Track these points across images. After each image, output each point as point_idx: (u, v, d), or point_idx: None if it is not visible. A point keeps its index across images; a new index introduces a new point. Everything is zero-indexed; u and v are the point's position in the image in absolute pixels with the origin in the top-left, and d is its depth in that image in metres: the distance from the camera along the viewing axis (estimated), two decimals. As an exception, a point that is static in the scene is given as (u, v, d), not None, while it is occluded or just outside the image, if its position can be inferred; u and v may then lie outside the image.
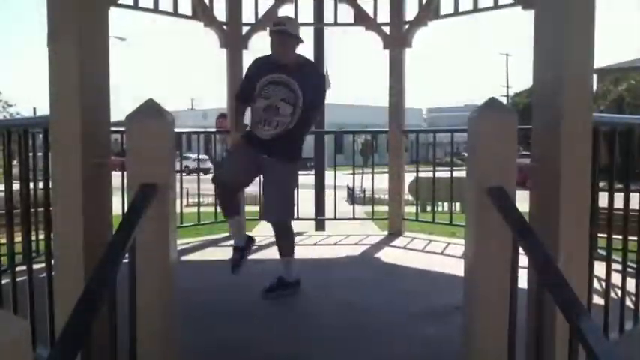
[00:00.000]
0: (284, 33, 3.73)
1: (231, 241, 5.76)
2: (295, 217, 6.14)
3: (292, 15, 6.32)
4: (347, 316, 3.55)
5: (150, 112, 2.20)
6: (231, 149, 4.06)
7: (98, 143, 2.30)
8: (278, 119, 3.71)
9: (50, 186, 2.37)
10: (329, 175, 7.50)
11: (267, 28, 3.85)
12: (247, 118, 4.06)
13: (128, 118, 2.19)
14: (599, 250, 2.93)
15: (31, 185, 2.82)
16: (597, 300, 2.79)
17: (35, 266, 2.80)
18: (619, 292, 2.96)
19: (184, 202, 8.08)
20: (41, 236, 2.85)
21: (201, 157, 7.41)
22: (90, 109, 2.26)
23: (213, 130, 7.78)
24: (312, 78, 3.85)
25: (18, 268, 2.85)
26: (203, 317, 3.45)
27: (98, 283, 1.68)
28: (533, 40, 2.36)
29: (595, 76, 39.35)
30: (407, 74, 6.34)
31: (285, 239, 3.96)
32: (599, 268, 2.76)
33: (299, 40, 3.78)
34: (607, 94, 27.42)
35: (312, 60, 4.07)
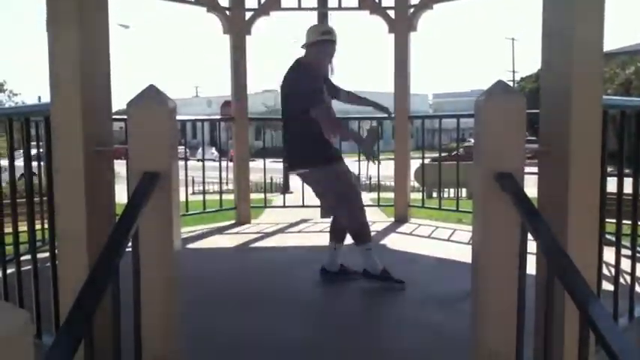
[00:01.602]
0: (335, 44, 3.76)
1: (236, 229, 5.81)
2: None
3: (296, 0, 6.26)
4: (350, 302, 3.53)
5: (151, 98, 2.16)
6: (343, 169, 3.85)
7: (99, 130, 2.27)
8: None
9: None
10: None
11: (313, 38, 3.74)
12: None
13: (129, 104, 2.16)
14: (607, 236, 2.89)
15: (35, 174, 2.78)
16: (607, 286, 2.76)
17: (41, 255, 2.80)
18: (629, 278, 2.93)
19: (190, 190, 8.11)
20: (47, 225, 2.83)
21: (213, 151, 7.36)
22: (90, 96, 2.23)
23: (218, 117, 7.72)
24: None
25: (24, 258, 2.85)
26: (210, 304, 3.45)
27: (101, 272, 1.66)
28: (542, 21, 2.30)
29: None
30: (412, 59, 6.28)
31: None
32: (609, 253, 2.73)
33: None
34: (614, 78, 27.16)
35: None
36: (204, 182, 6.20)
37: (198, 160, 6.98)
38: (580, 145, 2.18)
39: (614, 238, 2.74)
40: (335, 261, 3.93)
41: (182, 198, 5.84)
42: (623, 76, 27.13)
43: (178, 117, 6.78)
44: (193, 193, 9.25)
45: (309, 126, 3.64)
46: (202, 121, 7.16)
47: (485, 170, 2.14)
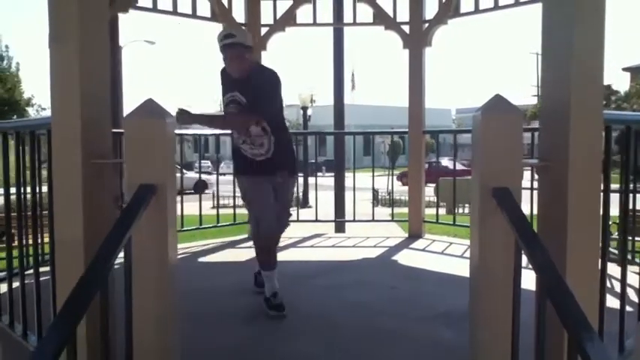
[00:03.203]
0: (237, 45, 3.43)
1: (249, 243, 5.81)
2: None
3: (312, 14, 6.31)
4: (358, 318, 3.50)
5: (149, 112, 2.19)
6: (243, 191, 3.73)
7: (98, 143, 2.30)
8: (257, 140, 3.56)
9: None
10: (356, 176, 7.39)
11: (218, 43, 3.49)
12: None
13: (127, 118, 2.19)
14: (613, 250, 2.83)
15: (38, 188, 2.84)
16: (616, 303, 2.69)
17: (43, 269, 2.84)
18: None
19: (211, 204, 8.13)
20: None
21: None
22: (90, 110, 2.26)
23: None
24: (257, 86, 3.51)
25: (28, 272, 2.90)
26: (215, 318, 3.45)
27: (89, 281, 1.68)
28: (541, 34, 2.28)
29: (628, 75, 38.52)
30: (429, 74, 6.27)
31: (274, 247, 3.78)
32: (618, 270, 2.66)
33: (251, 49, 3.57)
34: (641, 93, 26.67)
35: (266, 66, 3.75)
36: (217, 196, 6.25)
37: (221, 174, 7.03)
38: (579, 161, 2.14)
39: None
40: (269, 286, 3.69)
41: (196, 211, 5.96)
42: (650, 91, 26.65)
43: (195, 131, 6.77)
44: (214, 207, 9.31)
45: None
46: (214, 135, 7.19)
47: (482, 185, 2.12)
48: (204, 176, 14.24)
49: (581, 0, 2.17)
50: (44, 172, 2.80)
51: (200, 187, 6.39)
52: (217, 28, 6.15)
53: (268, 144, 3.57)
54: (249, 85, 3.49)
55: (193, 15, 5.97)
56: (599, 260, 2.31)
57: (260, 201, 3.59)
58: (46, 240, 3.16)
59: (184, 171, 7.34)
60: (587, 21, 2.17)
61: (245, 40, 3.48)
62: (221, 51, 3.48)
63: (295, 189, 3.88)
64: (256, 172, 3.60)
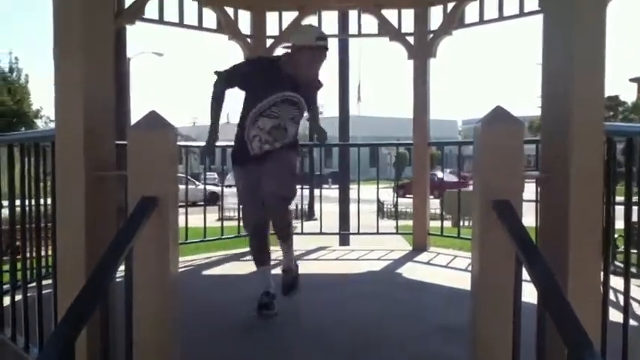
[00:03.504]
0: (326, 49, 3.37)
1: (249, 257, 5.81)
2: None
3: (317, 25, 6.34)
4: (358, 331, 3.48)
5: (152, 123, 2.21)
6: (237, 184, 3.69)
7: (101, 156, 2.32)
8: (283, 141, 3.50)
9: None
10: (362, 188, 7.38)
11: (299, 42, 3.35)
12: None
13: (131, 129, 2.21)
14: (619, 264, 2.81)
15: (42, 200, 2.85)
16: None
17: (46, 282, 2.85)
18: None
19: (216, 217, 8.12)
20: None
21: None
22: (93, 122, 2.29)
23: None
24: (313, 87, 3.57)
25: (31, 285, 2.91)
26: (216, 330, 3.45)
27: (89, 294, 1.69)
28: (542, 47, 2.29)
29: (635, 86, 38.43)
30: (435, 85, 6.29)
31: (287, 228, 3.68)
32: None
33: None
34: (648, 105, 26.63)
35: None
36: (222, 208, 6.25)
37: (227, 187, 7.03)
38: (580, 173, 2.14)
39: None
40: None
41: (201, 224, 5.97)
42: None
43: (197, 143, 6.78)
44: (219, 219, 9.31)
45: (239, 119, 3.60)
46: (219, 147, 7.21)
47: (482, 198, 2.11)
48: (212, 188, 14.29)
49: (582, 13, 2.18)
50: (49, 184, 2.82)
51: (212, 199, 6.38)
52: (223, 39, 6.20)
53: (281, 143, 3.52)
54: (298, 85, 3.42)
55: (199, 27, 6.01)
56: (602, 273, 2.30)
57: (242, 197, 3.66)
58: (50, 252, 3.19)
59: (196, 182, 7.37)
60: (588, 33, 2.18)
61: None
62: (308, 51, 3.31)
63: (296, 172, 3.73)
64: (251, 161, 3.54)
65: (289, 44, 3.49)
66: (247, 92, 3.50)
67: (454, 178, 8.99)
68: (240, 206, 3.66)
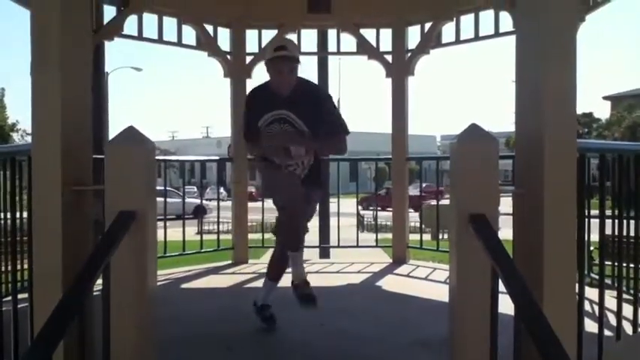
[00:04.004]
0: (291, 59, 3.25)
1: (232, 269, 5.79)
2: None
3: (296, 43, 6.39)
4: (338, 344, 3.48)
5: (130, 138, 2.21)
6: (274, 176, 3.50)
7: (78, 170, 2.31)
8: (296, 161, 3.38)
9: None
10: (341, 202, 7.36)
11: (266, 56, 3.35)
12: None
13: (108, 144, 2.21)
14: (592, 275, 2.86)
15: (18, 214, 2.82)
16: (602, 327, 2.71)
17: (21, 296, 2.81)
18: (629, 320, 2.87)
19: (195, 230, 8.12)
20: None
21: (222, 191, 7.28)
22: (71, 137, 2.28)
23: (216, 157, 7.73)
24: (312, 102, 3.37)
25: (6, 299, 2.86)
26: (195, 344, 3.42)
27: (65, 308, 1.67)
28: (515, 66, 2.35)
29: (609, 103, 39.25)
30: (414, 101, 6.37)
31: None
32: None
33: (299, 63, 3.36)
34: (621, 122, 27.25)
35: (304, 79, 3.47)
36: (201, 222, 6.23)
37: (207, 200, 7.02)
38: (554, 188, 2.19)
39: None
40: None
41: (179, 237, 5.93)
42: (630, 119, 27.20)
43: (183, 157, 6.88)
44: (198, 232, 9.27)
45: None
46: (198, 161, 7.21)
47: (459, 212, 2.15)
48: (197, 201, 14.16)
49: (554, 33, 2.24)
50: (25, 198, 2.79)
51: (200, 212, 6.36)
52: (202, 56, 6.22)
53: (306, 164, 3.44)
54: (297, 103, 3.32)
55: (179, 43, 6.03)
56: (577, 285, 2.34)
57: (287, 188, 3.36)
58: (25, 266, 3.14)
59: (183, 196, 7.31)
60: (559, 54, 2.24)
61: (297, 54, 3.33)
62: (270, 64, 3.29)
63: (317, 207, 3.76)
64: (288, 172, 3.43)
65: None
66: (255, 125, 3.46)
67: (417, 192, 9.24)
68: (284, 196, 3.38)
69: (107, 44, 6.60)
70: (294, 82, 3.33)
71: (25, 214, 2.70)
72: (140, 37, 5.69)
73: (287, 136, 3.34)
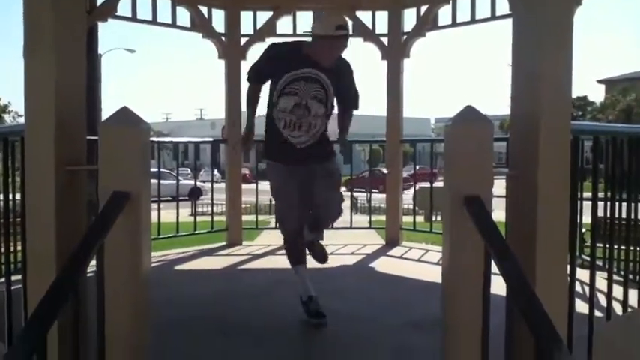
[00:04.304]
0: (346, 38, 3.31)
1: (225, 251, 5.81)
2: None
3: (291, 25, 6.36)
4: (332, 325, 3.51)
5: (124, 119, 2.20)
6: (273, 184, 3.59)
7: (73, 151, 2.30)
8: (310, 121, 3.35)
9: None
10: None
11: (319, 31, 3.31)
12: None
13: (102, 125, 2.19)
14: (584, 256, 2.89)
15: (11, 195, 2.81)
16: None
17: (15, 277, 2.81)
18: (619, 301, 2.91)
19: (189, 212, 8.12)
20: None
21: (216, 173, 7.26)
22: (65, 117, 2.26)
23: (209, 139, 7.73)
24: (342, 74, 3.47)
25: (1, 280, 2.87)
26: (189, 326, 3.44)
27: (59, 288, 1.67)
28: (512, 49, 2.34)
29: (603, 87, 39.30)
30: (409, 84, 6.34)
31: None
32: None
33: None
34: (615, 105, 27.29)
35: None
36: (194, 204, 6.23)
37: (202, 182, 7.01)
38: (548, 170, 2.19)
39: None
40: (303, 287, 3.68)
41: (173, 219, 5.93)
42: (624, 102, 27.25)
43: (177, 139, 6.86)
44: (191, 214, 9.27)
45: (266, 113, 3.52)
46: (192, 143, 7.18)
47: (453, 194, 2.15)
48: (190, 182, 14.15)
49: (550, 16, 2.24)
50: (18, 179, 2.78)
51: (196, 194, 6.34)
52: (196, 37, 6.16)
53: (313, 132, 3.41)
54: (332, 70, 3.37)
55: (173, 24, 5.97)
56: (568, 266, 2.37)
57: (281, 197, 3.59)
58: (19, 248, 3.14)
59: (179, 178, 7.28)
60: (556, 36, 2.24)
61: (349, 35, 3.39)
62: (325, 39, 3.28)
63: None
64: (292, 161, 3.46)
65: (310, 33, 3.48)
66: (271, 74, 3.45)
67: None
68: (276, 203, 3.61)
69: (100, 25, 6.56)
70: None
71: (18, 196, 2.69)
72: (134, 18, 5.63)
73: (312, 94, 3.36)
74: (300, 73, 3.34)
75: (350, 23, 3.61)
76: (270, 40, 6.34)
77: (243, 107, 3.76)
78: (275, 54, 3.47)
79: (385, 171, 6.58)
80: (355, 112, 3.76)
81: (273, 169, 3.57)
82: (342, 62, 3.51)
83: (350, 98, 3.62)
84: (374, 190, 6.62)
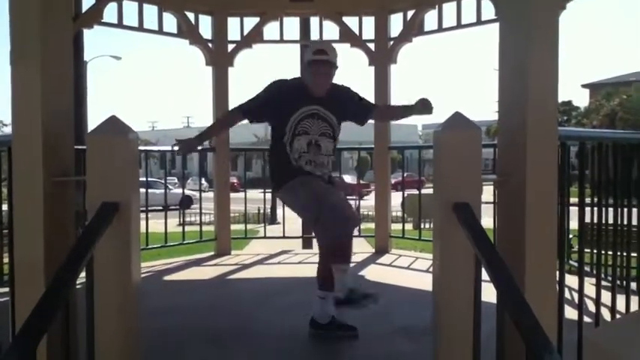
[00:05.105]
0: (329, 64, 3.36)
1: (214, 261, 5.77)
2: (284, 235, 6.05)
3: (278, 31, 6.37)
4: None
5: (113, 128, 2.19)
6: (302, 194, 3.36)
7: (61, 161, 2.28)
8: (322, 159, 3.39)
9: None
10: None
11: (306, 57, 3.42)
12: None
13: (90, 134, 2.18)
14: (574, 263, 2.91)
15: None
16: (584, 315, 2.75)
17: (2, 289, 2.78)
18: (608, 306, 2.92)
19: (177, 222, 8.08)
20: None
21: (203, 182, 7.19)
22: (52, 127, 2.25)
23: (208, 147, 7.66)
24: (343, 100, 3.50)
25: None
26: (179, 336, 3.41)
27: (49, 302, 1.66)
28: (498, 55, 2.36)
29: (587, 91, 39.71)
30: (396, 90, 6.38)
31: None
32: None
33: (337, 68, 3.44)
34: (600, 109, 27.57)
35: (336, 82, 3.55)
36: (183, 214, 6.19)
37: (191, 190, 6.96)
38: (536, 176, 2.21)
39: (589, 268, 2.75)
40: (325, 310, 3.48)
41: (161, 229, 5.90)
42: (608, 107, 27.53)
43: (164, 147, 6.74)
44: (180, 224, 9.20)
45: (271, 148, 3.54)
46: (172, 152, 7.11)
47: (442, 200, 2.17)
48: (180, 191, 14.05)
49: (535, 21, 2.26)
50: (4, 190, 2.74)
51: (185, 203, 6.28)
52: (183, 44, 6.15)
53: (330, 162, 3.46)
54: (332, 101, 3.41)
55: (160, 31, 5.95)
56: (557, 272, 2.38)
57: (322, 199, 3.24)
58: (6, 260, 3.10)
59: (169, 187, 7.16)
60: (541, 41, 2.26)
61: (336, 60, 3.41)
62: (309, 65, 3.37)
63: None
64: (307, 173, 3.37)
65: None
66: (275, 116, 3.44)
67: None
68: (314, 210, 3.24)
69: (86, 32, 6.53)
70: (329, 86, 3.43)
71: (4, 207, 2.66)
72: (120, 24, 5.61)
73: (320, 131, 3.40)
74: (307, 111, 3.38)
75: (336, 47, 3.50)
76: (257, 47, 6.37)
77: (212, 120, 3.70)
78: (277, 90, 3.47)
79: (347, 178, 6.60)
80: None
81: (296, 183, 3.39)
82: (339, 87, 3.54)
83: (362, 105, 3.65)
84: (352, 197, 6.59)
